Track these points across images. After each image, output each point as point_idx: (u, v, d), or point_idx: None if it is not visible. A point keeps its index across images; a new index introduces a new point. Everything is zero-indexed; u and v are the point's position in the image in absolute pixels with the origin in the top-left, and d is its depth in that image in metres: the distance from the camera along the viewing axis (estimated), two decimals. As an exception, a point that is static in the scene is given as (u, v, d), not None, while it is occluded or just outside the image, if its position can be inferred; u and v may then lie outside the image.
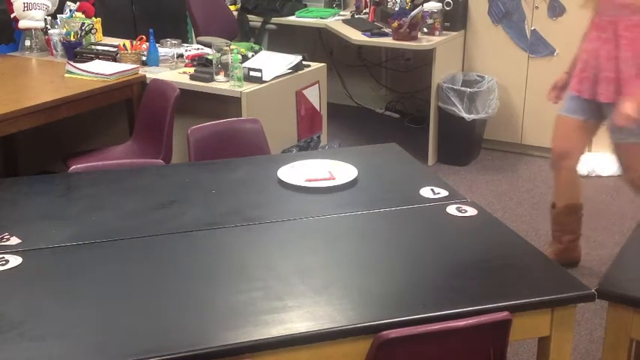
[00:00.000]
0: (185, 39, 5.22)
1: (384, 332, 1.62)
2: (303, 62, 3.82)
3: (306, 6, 5.57)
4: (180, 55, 3.93)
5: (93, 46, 4.02)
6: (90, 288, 1.81)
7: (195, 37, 4.89)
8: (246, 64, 3.65)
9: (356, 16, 5.26)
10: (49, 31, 4.13)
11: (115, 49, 3.91)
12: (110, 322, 1.66)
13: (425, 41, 4.62)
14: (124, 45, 3.89)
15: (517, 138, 4.95)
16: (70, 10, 4.23)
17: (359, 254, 2.01)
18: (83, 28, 4.10)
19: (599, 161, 4.64)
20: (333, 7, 5.55)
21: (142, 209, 2.24)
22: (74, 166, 2.68)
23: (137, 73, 3.72)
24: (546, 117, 4.81)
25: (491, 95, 4.69)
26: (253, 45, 4.23)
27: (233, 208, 2.25)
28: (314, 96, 3.89)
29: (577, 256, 3.49)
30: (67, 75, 3.68)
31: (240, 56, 3.64)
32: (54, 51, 4.12)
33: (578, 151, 3.33)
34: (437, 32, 4.69)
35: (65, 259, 1.95)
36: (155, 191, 2.39)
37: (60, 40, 4.08)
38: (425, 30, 4.68)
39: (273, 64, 3.68)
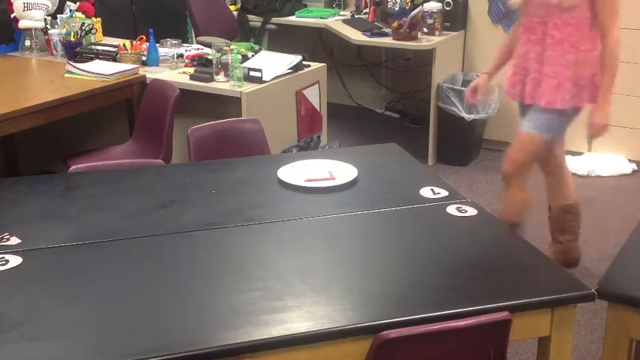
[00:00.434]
0: (185, 39, 5.22)
1: (384, 332, 1.62)
2: (303, 62, 3.82)
3: (306, 6, 5.57)
4: (180, 55, 3.93)
5: (93, 46, 4.02)
6: (90, 288, 1.81)
7: (195, 37, 4.89)
8: (246, 64, 3.65)
9: (356, 16, 5.26)
10: (49, 31, 4.13)
11: (115, 49, 3.91)
12: (110, 322, 1.66)
13: (425, 41, 4.62)
14: (124, 45, 3.89)
15: (517, 138, 4.95)
16: (70, 10, 4.23)
17: (359, 254, 2.01)
18: (83, 28, 4.10)
19: (599, 161, 4.65)
20: (333, 7, 5.55)
21: (142, 209, 2.24)
22: (74, 166, 2.68)
23: (137, 73, 3.72)
24: (546, 117, 4.82)
25: (491, 95, 4.68)
26: (253, 45, 4.23)
27: (233, 208, 2.25)
28: (314, 96, 3.89)
29: (577, 257, 3.48)
30: (67, 75, 3.68)
31: (240, 56, 3.64)
32: (54, 51, 4.12)
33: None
34: (437, 32, 4.69)
35: (65, 259, 1.95)
36: (155, 191, 2.39)
37: (60, 40, 4.08)
38: (425, 30, 4.68)
39: (273, 64, 3.68)
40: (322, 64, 3.97)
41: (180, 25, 5.41)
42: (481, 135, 4.95)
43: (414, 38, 4.61)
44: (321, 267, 1.91)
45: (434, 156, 4.85)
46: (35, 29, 4.14)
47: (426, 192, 2.34)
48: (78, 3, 4.28)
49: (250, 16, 5.51)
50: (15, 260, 1.91)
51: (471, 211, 2.21)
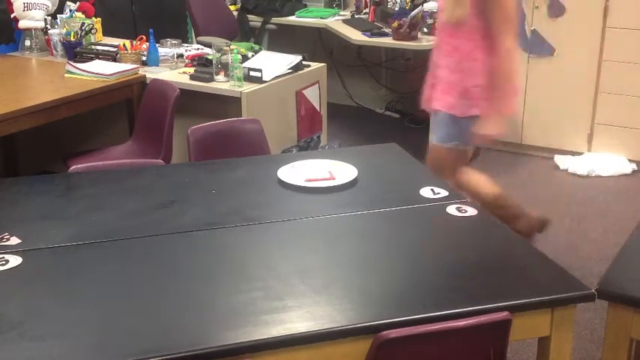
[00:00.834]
0: (185, 39, 5.23)
1: (384, 332, 1.62)
2: (303, 62, 3.82)
3: (306, 6, 5.57)
4: (180, 55, 3.94)
5: (93, 46, 4.02)
6: (90, 288, 1.80)
7: (195, 37, 4.89)
8: (246, 64, 3.65)
9: (356, 16, 5.26)
10: (49, 31, 4.13)
11: (115, 49, 3.91)
12: (110, 322, 1.66)
13: (425, 41, 4.61)
14: (124, 45, 3.89)
15: (517, 138, 4.95)
16: (70, 10, 4.23)
17: (359, 254, 2.01)
18: (83, 28, 4.10)
19: (599, 161, 4.65)
20: (333, 7, 5.55)
21: (142, 209, 2.24)
22: (74, 166, 2.68)
23: (137, 73, 3.72)
24: (546, 117, 4.83)
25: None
26: (253, 45, 4.24)
27: (233, 208, 2.25)
28: (314, 96, 3.89)
29: (536, 224, 3.30)
30: (67, 75, 3.68)
31: (240, 56, 3.64)
32: (54, 51, 4.12)
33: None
34: (437, 32, 4.68)
35: (65, 259, 1.95)
36: (155, 191, 2.39)
37: (60, 40, 4.08)
38: (425, 30, 4.68)
39: (273, 64, 3.68)
40: (322, 64, 3.97)
41: (180, 25, 5.41)
42: (481, 135, 4.94)
43: (414, 38, 4.61)
44: (321, 267, 1.91)
45: (434, 156, 4.84)
46: (35, 29, 4.15)
47: (426, 192, 2.34)
48: (78, 3, 4.29)
49: (250, 16, 5.52)
50: (15, 260, 1.91)
51: (471, 211, 2.21)
